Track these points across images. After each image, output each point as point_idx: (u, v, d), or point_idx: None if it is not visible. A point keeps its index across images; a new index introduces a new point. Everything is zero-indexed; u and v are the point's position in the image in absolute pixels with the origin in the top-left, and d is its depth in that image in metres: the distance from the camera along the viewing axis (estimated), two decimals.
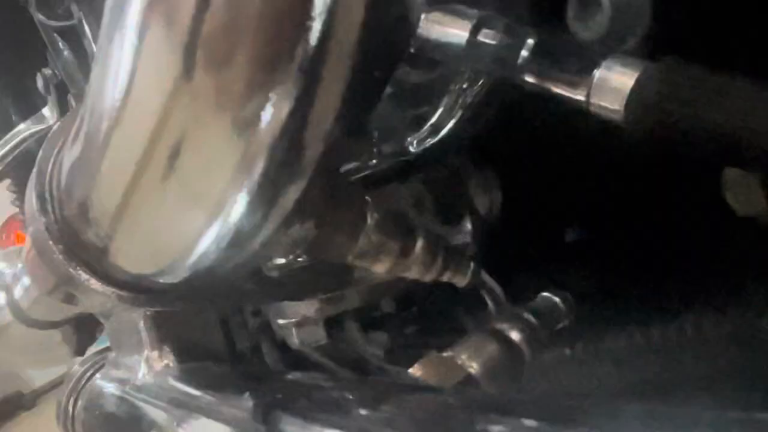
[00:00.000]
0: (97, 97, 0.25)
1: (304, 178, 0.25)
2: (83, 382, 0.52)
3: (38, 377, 3.31)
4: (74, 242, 0.30)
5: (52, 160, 0.30)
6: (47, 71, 0.95)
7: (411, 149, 0.34)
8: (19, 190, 1.16)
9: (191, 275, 0.31)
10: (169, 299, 0.33)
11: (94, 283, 0.31)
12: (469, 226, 0.35)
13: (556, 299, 0.35)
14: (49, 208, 0.30)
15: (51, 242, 0.30)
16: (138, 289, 0.32)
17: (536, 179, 0.38)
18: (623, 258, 0.39)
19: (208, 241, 0.29)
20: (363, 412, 0.29)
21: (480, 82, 0.32)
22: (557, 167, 0.38)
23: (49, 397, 3.23)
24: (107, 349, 0.57)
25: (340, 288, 0.33)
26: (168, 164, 0.24)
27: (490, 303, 0.32)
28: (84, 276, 0.30)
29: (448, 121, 0.33)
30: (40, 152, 0.31)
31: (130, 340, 0.43)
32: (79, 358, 1.04)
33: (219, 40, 0.21)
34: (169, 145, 0.24)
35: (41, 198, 0.30)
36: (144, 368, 0.40)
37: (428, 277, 0.30)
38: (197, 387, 0.36)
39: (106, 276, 0.31)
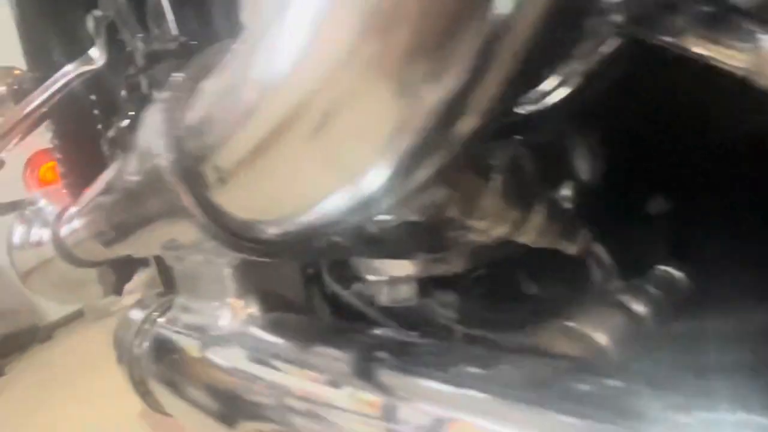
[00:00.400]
0: (255, 46, 0.25)
1: (454, 149, 0.24)
2: (147, 324, 0.53)
3: (53, 311, 3.38)
4: (194, 180, 0.30)
5: (180, 102, 0.29)
6: (98, 13, 0.94)
7: (519, 111, 0.34)
8: (59, 129, 1.16)
9: (299, 230, 0.31)
10: (270, 250, 0.33)
11: (206, 223, 0.31)
12: (569, 192, 0.34)
13: (675, 273, 0.35)
14: (175, 144, 0.29)
15: (172, 179, 0.30)
16: (244, 237, 0.32)
17: (638, 148, 0.37)
18: (718, 238, 0.38)
19: (332, 203, 0.29)
20: (467, 369, 0.29)
21: (605, 51, 0.31)
22: (660, 137, 0.37)
23: (63, 331, 3.31)
24: (167, 292, 0.58)
25: (441, 250, 0.33)
26: (318, 124, 0.24)
27: (597, 272, 0.32)
28: (200, 216, 0.30)
29: (563, 88, 0.32)
30: (167, 93, 0.30)
31: (211, 288, 0.43)
32: (126, 299, 1.06)
33: (397, 5, 0.20)
34: (326, 106, 0.24)
35: (168, 135, 0.30)
36: (227, 316, 0.41)
37: (541, 243, 0.30)
38: (288, 337, 0.36)
39: (216, 218, 0.31)
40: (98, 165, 1.26)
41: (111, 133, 1.03)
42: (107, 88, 1.15)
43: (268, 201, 0.30)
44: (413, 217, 0.31)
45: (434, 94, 0.22)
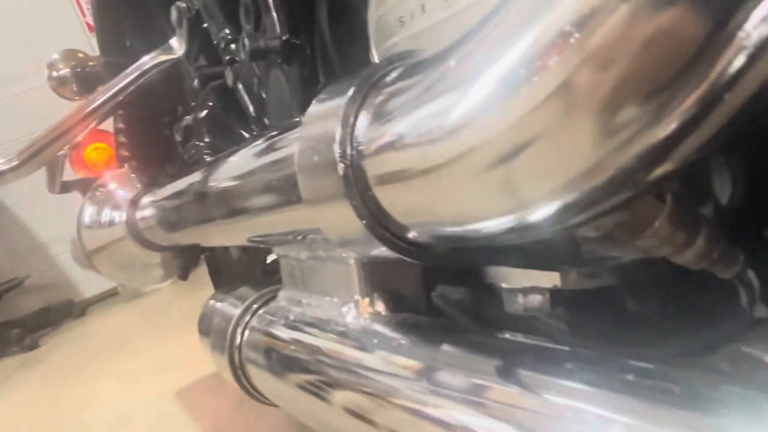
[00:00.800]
0: (471, 73, 0.26)
1: (644, 189, 0.25)
2: (249, 315, 0.54)
3: (89, 288, 3.45)
4: (363, 178, 0.31)
5: (358, 108, 0.31)
6: (181, 4, 0.96)
7: None
8: (126, 114, 1.19)
9: (451, 237, 0.33)
10: (421, 252, 0.35)
11: (369, 220, 0.32)
12: (709, 214, 0.35)
13: None
14: (349, 153, 0.31)
15: (342, 174, 0.31)
16: (399, 237, 0.33)
17: None
18: None
19: (495, 224, 0.30)
20: (626, 377, 0.29)
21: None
22: None
23: (97, 307, 3.38)
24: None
25: (595, 265, 0.34)
26: (508, 154, 0.25)
27: (745, 298, 0.32)
28: (363, 212, 0.31)
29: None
30: (347, 100, 0.31)
31: (334, 284, 0.44)
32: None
33: (620, 43, 0.21)
34: (522, 138, 0.24)
35: (343, 143, 0.31)
36: (353, 312, 0.42)
37: (699, 266, 0.31)
38: (422, 339, 0.37)
39: (379, 216, 0.32)
40: (162, 150, 1.30)
41: (185, 121, 1.06)
42: (174, 77, 1.18)
43: (431, 210, 0.31)
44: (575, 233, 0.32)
45: (643, 140, 0.22)
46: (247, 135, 0.93)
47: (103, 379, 2.05)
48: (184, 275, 1.08)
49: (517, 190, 0.27)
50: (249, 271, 1.21)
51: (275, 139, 0.46)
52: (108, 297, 3.44)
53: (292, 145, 0.41)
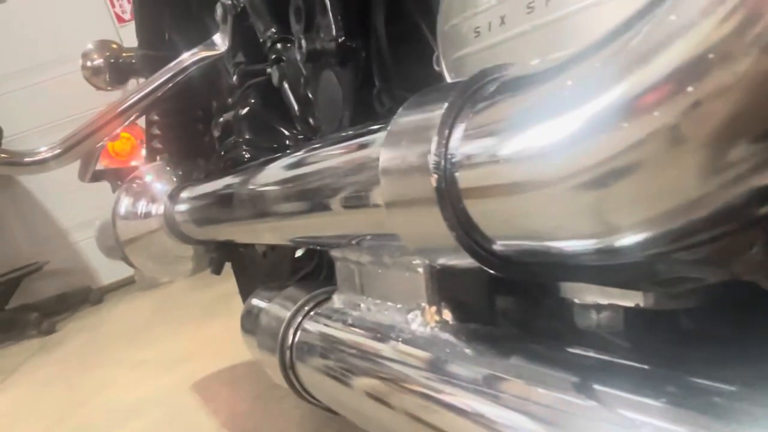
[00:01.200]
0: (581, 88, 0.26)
1: (743, 223, 0.25)
2: (302, 316, 0.55)
3: (106, 275, 3.49)
4: (455, 189, 0.31)
5: (454, 120, 0.31)
6: (227, 1, 0.97)
7: None
8: (162, 108, 1.19)
9: (532, 251, 0.33)
10: (502, 265, 0.35)
11: (458, 231, 0.32)
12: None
13: None
14: (443, 164, 0.31)
15: (434, 184, 0.31)
16: (484, 248, 0.34)
17: None
18: None
19: (579, 245, 0.30)
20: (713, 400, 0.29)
21: None
22: None
23: (114, 295, 3.41)
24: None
25: (679, 286, 0.34)
26: (601, 180, 0.25)
27: None
28: (458, 232, 0.32)
29: None
30: (443, 110, 0.32)
31: (399, 290, 0.44)
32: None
33: (731, 82, 0.21)
34: (620, 165, 0.25)
35: (438, 154, 0.31)
36: (419, 320, 0.42)
37: None
38: (497, 352, 0.37)
39: (468, 228, 0.32)
40: (195, 144, 1.31)
41: (224, 117, 1.06)
42: (211, 72, 1.18)
43: (521, 226, 0.31)
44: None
45: (752, 178, 0.22)
46: (288, 134, 0.93)
47: (118, 367, 2.06)
48: (217, 270, 1.09)
49: (616, 216, 0.27)
50: (275, 267, 1.22)
51: (345, 143, 0.46)
52: (125, 285, 3.47)
53: (369, 149, 0.41)
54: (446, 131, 0.31)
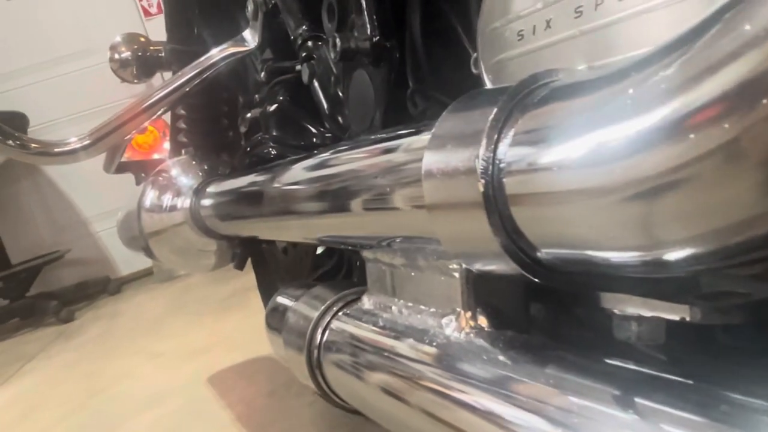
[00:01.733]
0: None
1: None
2: (330, 316, 0.55)
3: (125, 266, 3.53)
4: (503, 196, 0.31)
5: (503, 125, 0.31)
6: None
7: None
8: (188, 102, 1.20)
9: (576, 260, 0.32)
10: (545, 273, 0.34)
11: (503, 237, 0.32)
12: None
13: None
14: (491, 170, 0.31)
15: (482, 202, 0.31)
16: (528, 255, 0.33)
17: None
18: None
19: (624, 256, 0.29)
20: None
21: None
22: None
23: (132, 286, 3.45)
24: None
25: (725, 300, 0.33)
26: (651, 192, 0.25)
27: None
28: (503, 239, 0.31)
29: None
30: (493, 114, 0.31)
31: (434, 294, 0.44)
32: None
33: None
34: (671, 180, 0.24)
35: (486, 159, 0.31)
36: (453, 325, 0.42)
37: None
38: (536, 361, 0.37)
39: (514, 235, 0.32)
40: (220, 139, 1.31)
41: (251, 113, 1.07)
42: (238, 67, 1.19)
43: (569, 235, 0.31)
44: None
45: None
46: (315, 132, 0.93)
47: (136, 357, 2.08)
48: (240, 265, 1.09)
49: (667, 230, 0.27)
50: (296, 263, 1.22)
51: (384, 143, 0.46)
52: (143, 277, 3.51)
53: (411, 151, 0.41)
54: (495, 136, 0.31)
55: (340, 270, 1.03)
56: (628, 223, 0.28)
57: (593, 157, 0.27)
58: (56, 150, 1.04)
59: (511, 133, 0.31)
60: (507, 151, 0.31)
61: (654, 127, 0.25)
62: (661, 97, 0.24)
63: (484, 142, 0.31)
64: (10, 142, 0.99)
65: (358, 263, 0.87)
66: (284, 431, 1.27)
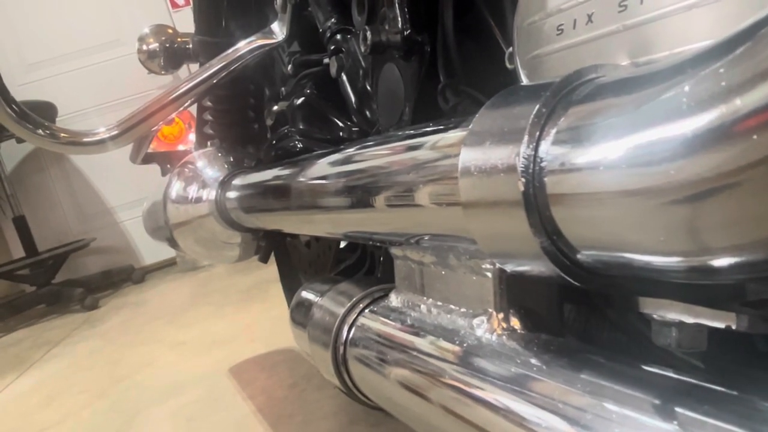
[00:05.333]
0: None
1: None
2: (356, 313, 0.54)
3: (149, 256, 3.58)
4: (543, 208, 0.30)
5: (545, 123, 0.30)
6: None
7: None
8: (214, 94, 1.20)
9: (617, 264, 0.31)
10: (585, 276, 0.33)
11: (543, 237, 0.31)
12: None
13: None
14: (532, 169, 0.30)
15: (522, 202, 0.30)
16: (567, 257, 0.32)
17: None
18: None
19: (667, 261, 0.28)
20: None
21: None
22: None
23: (155, 275, 3.49)
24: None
25: (757, 307, 0.32)
26: (696, 196, 0.24)
27: None
28: (543, 240, 0.30)
29: None
30: (534, 112, 0.30)
31: (465, 294, 0.43)
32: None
33: None
34: (716, 185, 0.23)
35: (527, 158, 0.30)
36: (485, 326, 0.41)
37: None
38: (571, 365, 0.36)
39: (553, 235, 0.31)
40: (245, 132, 1.32)
41: (278, 106, 1.07)
42: (265, 60, 1.18)
43: (612, 238, 0.30)
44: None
45: None
46: (342, 125, 0.93)
47: (158, 346, 2.11)
48: (265, 258, 1.09)
49: (716, 235, 0.26)
50: (319, 257, 1.22)
51: (416, 138, 0.45)
52: (166, 266, 3.55)
53: (445, 147, 0.40)
54: (537, 133, 0.30)
55: (362, 265, 1.02)
56: (675, 227, 0.27)
57: (641, 157, 0.26)
58: (85, 140, 1.05)
59: (554, 130, 0.30)
60: (549, 150, 0.30)
61: (711, 128, 0.24)
62: (722, 96, 0.23)
63: (525, 139, 0.30)
64: (41, 131, 1.00)
65: (381, 259, 0.86)
66: (304, 423, 1.27)
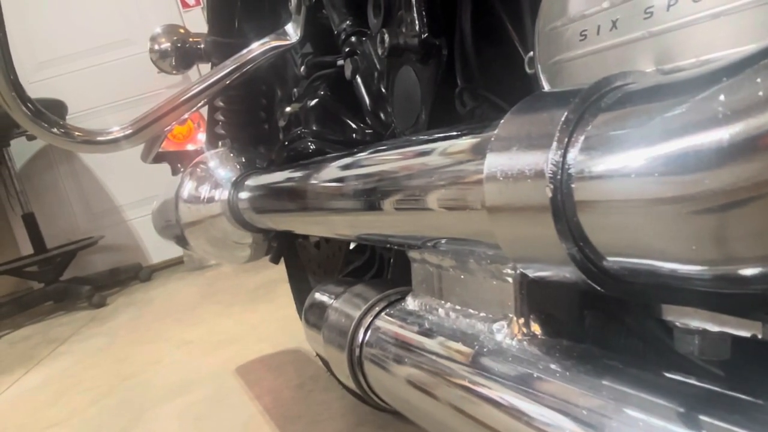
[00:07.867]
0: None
1: None
2: (373, 316, 0.54)
3: (156, 255, 3.59)
4: (570, 214, 0.30)
5: (573, 129, 0.30)
6: None
7: None
8: (226, 95, 1.21)
9: (642, 271, 0.31)
10: (617, 286, 0.33)
11: (568, 243, 0.31)
12: None
13: None
14: (560, 175, 0.30)
15: (549, 208, 0.30)
16: (593, 263, 0.32)
17: None
18: None
19: (689, 269, 0.28)
20: None
21: None
22: None
23: (163, 274, 3.50)
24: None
25: None
26: (718, 207, 0.24)
27: None
28: (569, 246, 0.30)
29: None
30: (563, 118, 0.30)
31: (485, 298, 0.43)
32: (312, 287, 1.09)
33: None
34: (738, 198, 0.23)
35: (555, 164, 0.30)
36: (505, 331, 0.41)
37: None
38: (594, 372, 0.36)
39: (580, 242, 0.31)
40: (257, 132, 1.32)
41: (291, 107, 1.07)
42: (278, 61, 1.19)
43: (634, 244, 0.30)
44: None
45: None
46: (356, 128, 0.93)
47: (165, 344, 2.11)
48: (276, 258, 1.09)
49: (746, 245, 0.26)
50: (328, 258, 1.22)
51: (438, 142, 0.45)
52: (173, 265, 3.56)
53: (469, 151, 0.40)
54: (566, 139, 0.30)
55: (371, 266, 1.02)
56: (704, 235, 0.27)
57: (670, 165, 0.26)
58: (99, 138, 1.06)
59: (582, 137, 0.30)
60: (577, 156, 0.30)
61: (745, 137, 0.24)
62: (759, 105, 0.23)
63: (554, 145, 0.30)
64: (55, 129, 1.01)
65: (391, 260, 0.86)
66: (311, 424, 1.27)
